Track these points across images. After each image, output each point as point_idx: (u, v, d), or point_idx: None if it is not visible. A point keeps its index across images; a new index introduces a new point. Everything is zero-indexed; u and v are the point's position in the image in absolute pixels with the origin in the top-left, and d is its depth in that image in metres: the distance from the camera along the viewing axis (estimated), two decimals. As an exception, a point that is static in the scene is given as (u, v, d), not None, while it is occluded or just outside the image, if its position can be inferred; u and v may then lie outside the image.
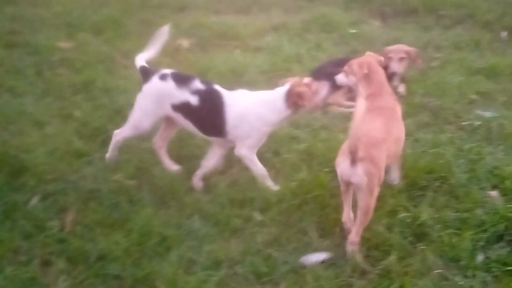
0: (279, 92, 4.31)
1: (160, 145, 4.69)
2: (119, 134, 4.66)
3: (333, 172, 4.46)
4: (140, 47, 6.64)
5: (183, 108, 4.39)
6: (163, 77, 4.44)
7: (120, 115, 5.34)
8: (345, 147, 3.63)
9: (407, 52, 5.98)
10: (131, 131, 4.63)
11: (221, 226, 3.98)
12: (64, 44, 7.10)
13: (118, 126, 5.13)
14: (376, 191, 3.61)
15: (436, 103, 5.63)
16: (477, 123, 5.22)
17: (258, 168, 4.40)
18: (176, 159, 4.75)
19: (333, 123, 5.42)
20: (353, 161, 3.51)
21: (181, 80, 4.41)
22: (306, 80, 4.40)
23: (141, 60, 4.62)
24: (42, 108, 5.53)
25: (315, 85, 4.39)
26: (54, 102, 5.67)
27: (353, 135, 3.50)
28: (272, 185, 4.38)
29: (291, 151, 4.79)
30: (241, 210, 4.13)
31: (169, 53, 6.87)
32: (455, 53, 6.96)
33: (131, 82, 5.99)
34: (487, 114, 5.42)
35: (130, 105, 5.39)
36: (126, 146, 4.89)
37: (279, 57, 6.83)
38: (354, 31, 7.76)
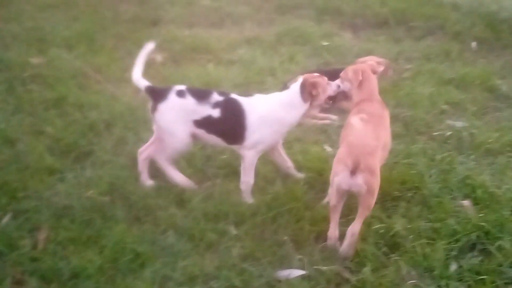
0: (293, 89, 4.41)
1: (145, 157, 4.63)
2: (162, 160, 4.57)
3: (308, 184, 4.53)
4: (113, 62, 6.67)
5: (205, 123, 4.36)
6: (180, 94, 4.36)
7: (92, 131, 5.31)
8: (342, 156, 3.71)
9: (378, 64, 6.02)
10: (171, 153, 4.53)
11: (196, 241, 3.95)
12: (35, 60, 7.02)
13: (91, 142, 5.13)
14: (376, 193, 3.72)
15: (407, 114, 5.68)
16: (448, 133, 5.28)
17: (250, 175, 4.40)
18: (151, 173, 4.72)
19: (306, 135, 5.44)
20: (353, 171, 3.60)
21: (200, 95, 4.37)
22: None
23: (142, 79, 4.45)
24: (14, 124, 5.44)
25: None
26: (25, 119, 5.59)
27: (350, 144, 3.68)
28: (249, 198, 4.38)
29: (266, 163, 4.78)
30: (216, 224, 4.11)
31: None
32: (426, 64, 7.04)
33: (103, 97, 5.97)
34: (458, 124, 5.49)
35: (103, 120, 5.41)
36: (100, 162, 4.86)
37: (253, 70, 6.84)
38: (326, 43, 7.81)
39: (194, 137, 4.45)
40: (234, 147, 4.47)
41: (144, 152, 4.63)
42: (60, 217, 4.22)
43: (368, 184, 3.62)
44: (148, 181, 4.62)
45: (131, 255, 3.78)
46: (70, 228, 4.09)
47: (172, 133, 4.40)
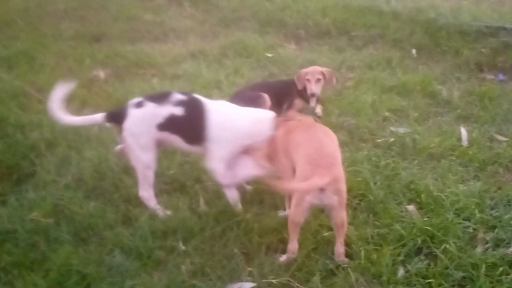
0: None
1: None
2: (145, 193, 4.39)
3: (256, 195, 4.52)
4: (54, 80, 6.50)
5: (168, 124, 4.26)
6: (139, 105, 4.28)
7: (34, 151, 5.18)
8: (306, 173, 3.60)
9: (322, 73, 6.11)
10: (148, 174, 4.37)
11: (144, 260, 3.88)
12: (-26, 81, 6.84)
13: (33, 163, 4.99)
14: (345, 203, 3.71)
15: (351, 122, 5.75)
16: (392, 139, 5.36)
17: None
18: (94, 192, 4.64)
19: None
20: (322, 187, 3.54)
21: (159, 98, 4.31)
22: None
23: (94, 115, 4.40)
24: (-49, 148, 5.27)
25: None
26: (-36, 141, 5.42)
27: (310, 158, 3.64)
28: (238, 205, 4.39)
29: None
30: (164, 241, 4.05)
31: (84, 84, 6.78)
32: (368, 72, 7.16)
33: (45, 116, 5.79)
34: (401, 130, 5.59)
35: (45, 140, 5.29)
36: (43, 183, 4.75)
37: (198, 83, 6.82)
38: (270, 55, 7.87)
39: (159, 144, 4.37)
40: (196, 149, 4.39)
41: (121, 151, 4.59)
42: (3, 242, 4.09)
43: (338, 193, 3.59)
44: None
45: (77, 277, 3.68)
46: (13, 252, 3.96)
47: (143, 147, 4.29)
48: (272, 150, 4.16)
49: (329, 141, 3.89)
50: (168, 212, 4.39)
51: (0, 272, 3.80)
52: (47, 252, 3.95)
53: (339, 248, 3.78)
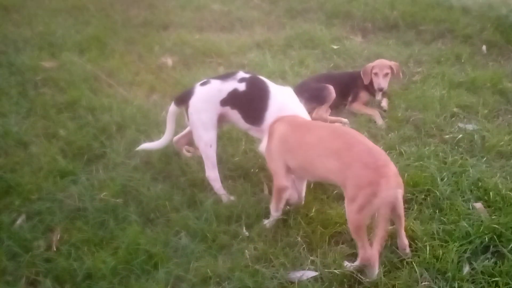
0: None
1: (181, 144, 4.86)
2: (211, 173, 4.51)
3: (318, 186, 4.53)
4: (124, 66, 6.70)
5: (230, 99, 4.42)
6: (204, 83, 4.50)
7: (104, 134, 5.33)
8: (370, 177, 3.49)
9: (390, 67, 6.04)
10: (210, 153, 4.50)
11: (208, 243, 3.96)
12: (47, 64, 7.06)
13: (103, 144, 5.14)
14: None
15: (418, 117, 5.66)
16: (460, 135, 5.25)
17: None
18: (162, 175, 4.75)
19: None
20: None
21: (224, 75, 4.57)
22: None
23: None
24: (27, 127, 5.48)
25: None
26: (38, 122, 5.62)
27: (373, 155, 3.56)
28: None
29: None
30: (228, 226, 4.12)
31: (153, 71, 6.91)
32: (436, 67, 7.02)
33: (115, 100, 5.99)
34: (469, 127, 5.47)
35: (115, 123, 5.43)
36: (112, 164, 4.88)
37: (263, 73, 6.76)
38: (336, 47, 7.81)
39: (220, 121, 4.52)
40: (252, 128, 4.50)
41: (179, 141, 4.88)
42: (74, 219, 4.26)
43: (402, 186, 3.58)
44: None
45: (145, 256, 3.79)
46: (83, 229, 4.11)
47: (205, 125, 4.44)
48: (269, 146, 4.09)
49: (360, 135, 3.83)
50: (232, 198, 4.46)
51: (70, 248, 3.95)
52: (115, 231, 4.09)
53: (404, 240, 3.75)
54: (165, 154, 4.96)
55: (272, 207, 4.12)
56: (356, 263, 3.68)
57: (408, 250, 3.77)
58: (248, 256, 3.82)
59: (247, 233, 4.06)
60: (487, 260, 3.70)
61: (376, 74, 6.00)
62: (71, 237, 4.04)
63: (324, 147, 3.76)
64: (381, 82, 5.98)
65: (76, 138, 5.26)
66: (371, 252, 3.55)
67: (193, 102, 4.44)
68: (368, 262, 3.58)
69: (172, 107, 4.60)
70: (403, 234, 3.76)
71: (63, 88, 6.36)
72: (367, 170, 3.49)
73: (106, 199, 4.44)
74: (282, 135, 3.99)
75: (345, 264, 3.72)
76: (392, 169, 3.53)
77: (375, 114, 5.78)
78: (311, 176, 4.09)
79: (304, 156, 3.89)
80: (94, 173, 4.81)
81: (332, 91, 5.85)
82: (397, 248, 3.79)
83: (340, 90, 5.96)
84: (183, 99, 4.52)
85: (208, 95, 4.42)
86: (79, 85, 6.38)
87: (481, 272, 3.61)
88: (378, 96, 6.13)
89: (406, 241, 3.77)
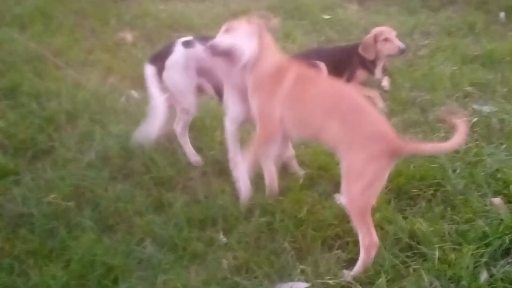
0: None
1: (181, 132, 4.89)
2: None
3: (310, 181, 4.54)
4: (75, 43, 6.65)
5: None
6: (187, 44, 4.56)
7: (52, 124, 5.31)
8: (388, 147, 3.60)
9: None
10: (186, 118, 4.79)
11: (179, 252, 3.95)
12: (-19, 42, 7.02)
13: (50, 137, 5.11)
14: None
15: (425, 98, 5.70)
16: (474, 119, 5.29)
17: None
18: (122, 172, 4.75)
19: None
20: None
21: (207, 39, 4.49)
22: None
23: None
24: (-43, 118, 5.45)
25: None
26: (-29, 111, 5.59)
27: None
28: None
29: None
30: (202, 231, 4.11)
31: (109, 48, 6.88)
32: (446, 39, 7.08)
33: (64, 84, 5.95)
34: (485, 108, 5.52)
35: (64, 111, 5.39)
36: (62, 160, 4.86)
37: (241, 49, 6.83)
38: (328, 16, 7.85)
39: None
40: None
41: (178, 127, 4.90)
42: (17, 227, 4.22)
43: None
44: (195, 157, 4.97)
45: (102, 269, 3.77)
46: (28, 239, 4.08)
47: (181, 92, 4.60)
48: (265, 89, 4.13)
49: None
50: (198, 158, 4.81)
51: (13, 261, 3.91)
52: (67, 240, 4.05)
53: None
54: (125, 147, 4.94)
55: (246, 153, 4.20)
56: (357, 268, 3.70)
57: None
58: (226, 267, 3.81)
59: (224, 239, 4.06)
60: (508, 265, 3.73)
61: (386, 39, 5.97)
62: (13, 249, 4.00)
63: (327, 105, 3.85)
64: (399, 44, 5.96)
65: (17, 130, 5.23)
66: (376, 238, 3.64)
67: (170, 62, 4.54)
68: (375, 250, 3.66)
69: (148, 71, 4.58)
70: None
71: (1, 71, 6.31)
72: (379, 139, 3.59)
73: (55, 202, 4.40)
74: (288, 84, 4.04)
75: (342, 273, 3.74)
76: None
77: (375, 96, 5.80)
78: (306, 134, 4.14)
79: (304, 110, 3.97)
80: (40, 172, 4.78)
81: (323, 69, 5.86)
82: (403, 251, 3.82)
83: (332, 68, 5.96)
84: (159, 58, 4.60)
85: (187, 60, 4.53)
86: (20, 67, 6.35)
87: (501, 279, 3.62)
88: (378, 74, 6.14)
89: None
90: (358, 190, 3.60)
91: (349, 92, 4.02)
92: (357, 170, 3.60)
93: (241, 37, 4.11)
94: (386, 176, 3.63)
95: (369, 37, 6.08)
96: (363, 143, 3.62)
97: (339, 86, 4.19)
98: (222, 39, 4.12)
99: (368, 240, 3.64)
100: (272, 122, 4.03)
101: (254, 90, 4.12)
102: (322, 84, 4.08)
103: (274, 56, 4.17)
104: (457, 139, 3.50)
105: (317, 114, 3.88)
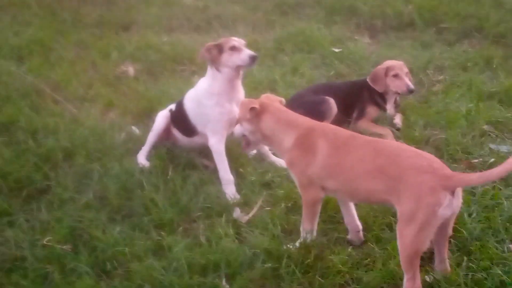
0: None
1: None
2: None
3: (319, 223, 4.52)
4: (74, 76, 6.69)
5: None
6: None
7: (49, 162, 5.31)
8: (431, 183, 3.60)
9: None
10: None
11: (179, 299, 3.94)
12: (-24, 75, 7.06)
13: (46, 176, 5.11)
14: None
15: (440, 137, 5.68)
16: (491, 160, 5.27)
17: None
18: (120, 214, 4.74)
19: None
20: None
21: None
22: None
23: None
24: (-50, 155, 5.46)
25: None
26: (-35, 148, 5.60)
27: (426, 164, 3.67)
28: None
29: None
30: (204, 278, 4.08)
31: (110, 82, 6.91)
32: (462, 74, 7.07)
33: (62, 120, 5.98)
34: (503, 148, 5.49)
35: (62, 148, 5.41)
36: (58, 201, 4.85)
37: (248, 84, 6.82)
38: (338, 50, 7.87)
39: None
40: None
41: None
42: (9, 271, 4.22)
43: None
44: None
45: (99, 318, 3.76)
46: (21, 284, 4.07)
47: None
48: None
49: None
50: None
51: (5, 308, 3.91)
52: (61, 286, 4.04)
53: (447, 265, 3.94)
54: (124, 187, 4.94)
55: (304, 223, 4.28)
56: None
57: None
58: (229, 316, 3.80)
59: (227, 287, 4.03)
60: (528, 318, 3.70)
61: (396, 75, 5.99)
62: (5, 295, 4.00)
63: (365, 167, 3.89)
64: (409, 83, 5.98)
65: (12, 168, 5.23)
66: (419, 283, 3.66)
67: None
68: None
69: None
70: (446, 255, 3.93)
71: (-3, 106, 6.34)
72: (425, 174, 3.61)
73: (50, 245, 4.40)
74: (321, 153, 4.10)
75: None
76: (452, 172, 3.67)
77: (387, 134, 5.79)
78: (355, 199, 4.26)
79: (345, 178, 4.04)
80: (35, 213, 4.77)
81: (332, 105, 5.87)
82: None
83: (342, 103, 5.98)
84: None
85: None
86: (17, 102, 6.38)
87: (519, 331, 3.61)
88: (391, 110, 6.14)
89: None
90: (412, 234, 3.61)
91: (381, 143, 4.09)
92: (409, 213, 3.61)
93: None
94: (438, 218, 3.58)
95: (380, 68, 6.10)
96: (410, 186, 3.64)
97: (370, 142, 4.18)
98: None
99: (410, 285, 3.66)
100: (314, 188, 4.14)
101: (289, 166, 4.28)
102: (354, 146, 4.08)
103: (290, 128, 4.30)
104: (506, 165, 3.43)
105: (358, 180, 3.94)
